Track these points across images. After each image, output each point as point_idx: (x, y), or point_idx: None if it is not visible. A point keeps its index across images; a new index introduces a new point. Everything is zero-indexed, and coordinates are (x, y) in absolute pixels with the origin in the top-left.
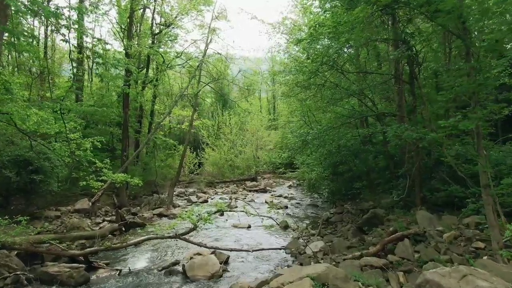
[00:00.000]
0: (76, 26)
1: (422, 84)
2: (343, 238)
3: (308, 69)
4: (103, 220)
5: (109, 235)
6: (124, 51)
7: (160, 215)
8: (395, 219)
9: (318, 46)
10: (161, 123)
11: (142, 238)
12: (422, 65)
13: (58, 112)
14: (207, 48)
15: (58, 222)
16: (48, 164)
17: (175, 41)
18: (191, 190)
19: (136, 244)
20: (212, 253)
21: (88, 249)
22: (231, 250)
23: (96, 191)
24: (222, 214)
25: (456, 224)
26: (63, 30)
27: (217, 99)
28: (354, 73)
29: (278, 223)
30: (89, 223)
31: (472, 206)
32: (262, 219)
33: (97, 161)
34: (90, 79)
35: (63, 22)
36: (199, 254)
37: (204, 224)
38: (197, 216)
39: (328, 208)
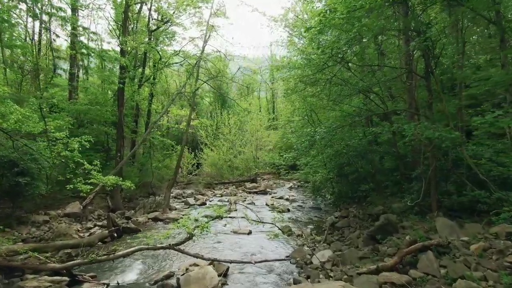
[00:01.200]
0: (62, 14)
1: (438, 79)
2: (354, 247)
3: (315, 62)
4: (95, 225)
5: (99, 243)
6: (120, 48)
7: (155, 220)
8: (410, 226)
9: (327, 37)
10: (159, 123)
11: (132, 249)
12: (439, 58)
13: (45, 109)
14: (205, 45)
15: (46, 227)
16: (35, 165)
17: (173, 38)
18: (189, 191)
19: (125, 256)
20: (210, 263)
21: (70, 262)
22: (231, 262)
23: (85, 194)
24: (221, 218)
25: (481, 234)
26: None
27: (215, 99)
28: (365, 66)
29: (281, 228)
30: (79, 228)
31: (506, 214)
32: (264, 224)
33: (85, 162)
34: (84, 77)
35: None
36: (195, 265)
37: (201, 233)
38: (193, 223)
39: (331, 211)
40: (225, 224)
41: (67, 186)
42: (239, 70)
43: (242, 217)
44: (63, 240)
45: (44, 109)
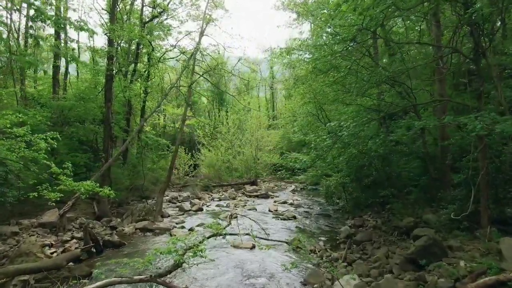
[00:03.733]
0: None
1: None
2: (387, 272)
3: (342, 37)
4: (72, 237)
5: (70, 264)
6: (107, 37)
7: (144, 230)
8: (460, 247)
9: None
10: (155, 122)
11: (99, 283)
12: (494, 35)
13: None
14: (202, 36)
15: (14, 240)
16: (2, 169)
17: (168, 32)
18: (185, 194)
19: None
20: None
21: None
22: None
23: (53, 204)
24: (219, 236)
25: None
26: None
27: (213, 97)
28: (402, 43)
29: (289, 243)
30: (53, 242)
31: None
32: (268, 235)
33: (52, 164)
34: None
35: None
36: None
37: (193, 257)
38: (183, 244)
39: (342, 218)
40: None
41: (30, 194)
42: (239, 62)
43: (247, 234)
44: (25, 260)
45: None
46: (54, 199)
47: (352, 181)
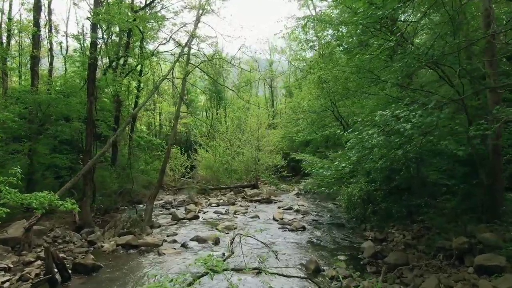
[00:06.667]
0: None
1: None
2: None
3: None
4: (37, 258)
5: None
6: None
7: (127, 246)
8: None
9: None
10: (149, 121)
11: None
12: None
13: None
14: (199, 22)
15: None
16: None
17: (162, 23)
18: (180, 198)
19: None
20: None
21: None
22: None
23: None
24: (217, 243)
25: None
26: None
27: (211, 95)
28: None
29: (311, 278)
30: (12, 264)
31: None
32: (276, 254)
33: None
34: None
35: None
36: None
37: None
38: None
39: (359, 229)
40: (223, 253)
41: None
42: (240, 50)
43: (255, 269)
44: None
45: None
46: None
47: (379, 188)
